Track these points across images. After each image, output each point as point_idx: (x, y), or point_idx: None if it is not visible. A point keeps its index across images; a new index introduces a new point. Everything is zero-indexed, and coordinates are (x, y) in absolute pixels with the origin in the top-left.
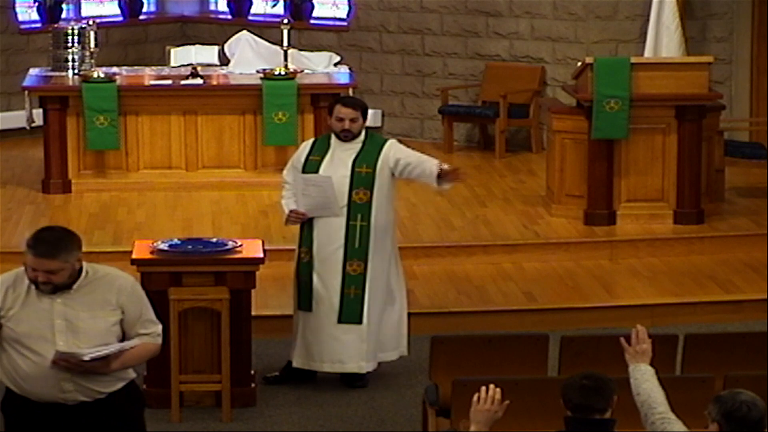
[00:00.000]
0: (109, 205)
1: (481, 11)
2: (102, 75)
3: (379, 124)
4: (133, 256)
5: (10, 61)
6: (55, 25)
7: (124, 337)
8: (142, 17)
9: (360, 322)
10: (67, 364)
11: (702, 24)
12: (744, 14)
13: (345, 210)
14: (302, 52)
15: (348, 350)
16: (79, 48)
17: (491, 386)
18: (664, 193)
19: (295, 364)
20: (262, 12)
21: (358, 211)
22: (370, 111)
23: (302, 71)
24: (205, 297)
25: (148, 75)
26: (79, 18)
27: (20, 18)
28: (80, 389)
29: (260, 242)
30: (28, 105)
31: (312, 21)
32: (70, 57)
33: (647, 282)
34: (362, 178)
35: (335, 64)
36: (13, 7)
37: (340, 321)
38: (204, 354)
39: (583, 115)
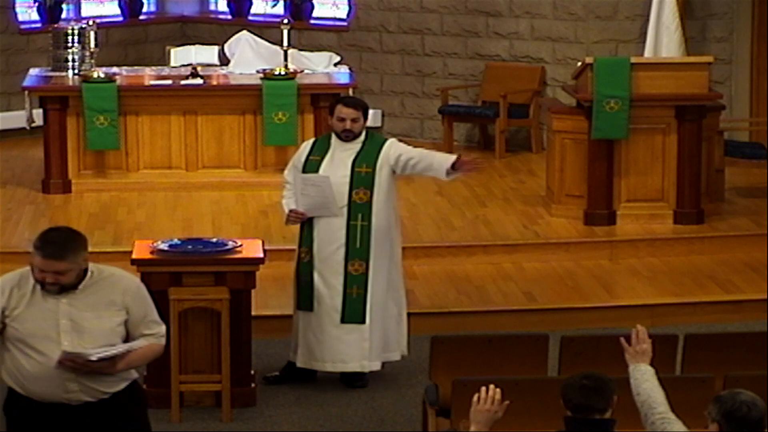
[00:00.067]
0: (109, 205)
1: (481, 11)
2: (102, 75)
3: (379, 124)
4: (133, 256)
5: (10, 61)
6: (55, 25)
7: (127, 338)
8: (142, 17)
9: (363, 321)
10: (73, 364)
11: (702, 24)
12: (744, 14)
13: (345, 210)
14: (302, 52)
15: (350, 350)
16: (79, 48)
17: (491, 386)
18: (664, 193)
19: (298, 364)
20: (262, 12)
21: (359, 210)
22: (370, 111)
23: (302, 71)
24: (205, 297)
25: (148, 75)
26: (79, 18)
27: (20, 18)
28: (85, 389)
29: (260, 242)
30: (28, 105)
31: (312, 21)
32: (70, 57)
33: (647, 282)
34: (362, 177)
35: (335, 64)
36: (13, 7)
37: (343, 321)
38: (204, 354)
39: (583, 115)
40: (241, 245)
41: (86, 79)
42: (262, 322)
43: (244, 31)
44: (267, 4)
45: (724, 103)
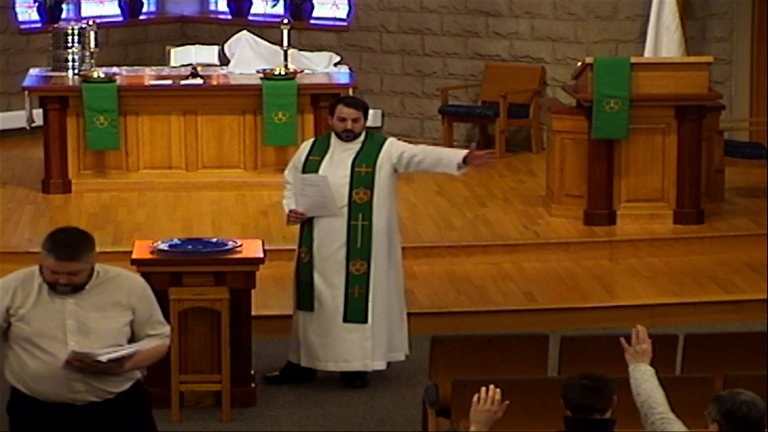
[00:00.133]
0: (109, 205)
1: (481, 11)
2: (102, 75)
3: (379, 124)
4: (133, 256)
5: (10, 61)
6: (55, 25)
7: (132, 338)
8: (142, 17)
9: (365, 321)
10: (81, 365)
11: (702, 24)
12: (744, 14)
13: (346, 210)
14: (302, 52)
15: (353, 349)
16: (79, 48)
17: (491, 386)
18: (664, 193)
19: (302, 364)
20: (262, 12)
21: (359, 210)
22: (370, 111)
23: (302, 71)
24: (205, 297)
25: (148, 75)
26: (79, 18)
27: (20, 18)
28: (91, 389)
29: (260, 242)
30: (28, 105)
31: (312, 21)
32: (70, 57)
33: (647, 282)
34: (362, 177)
35: (335, 64)
36: (13, 7)
37: (345, 320)
38: (204, 354)
39: (583, 115)
40: (241, 245)
41: (86, 79)
42: (262, 322)
43: (244, 31)
44: (267, 4)
45: (724, 103)
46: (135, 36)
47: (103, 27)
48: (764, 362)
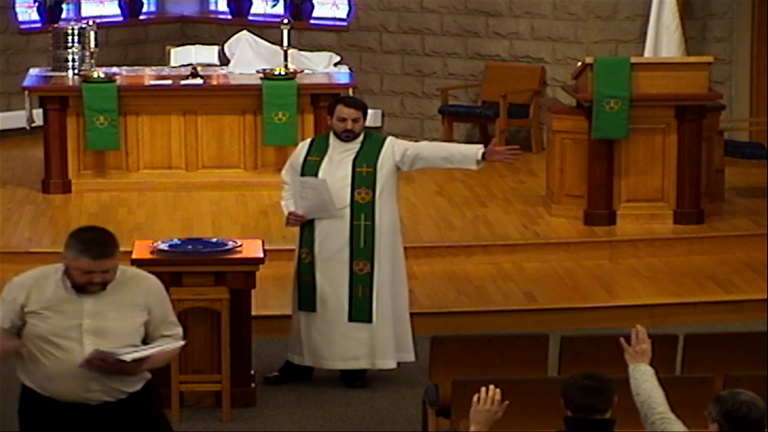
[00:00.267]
0: (109, 205)
1: (481, 11)
2: (102, 75)
3: (379, 124)
4: (133, 256)
5: (10, 61)
6: (55, 25)
7: (145, 338)
8: (142, 17)
9: (370, 321)
10: (103, 364)
11: (702, 24)
12: (744, 14)
13: (348, 210)
14: (302, 52)
15: (361, 348)
16: (79, 48)
17: (491, 387)
18: (664, 193)
19: (306, 364)
20: (262, 12)
21: (362, 210)
22: (370, 111)
23: (302, 71)
24: (205, 297)
25: (148, 75)
26: (79, 18)
27: (20, 18)
28: (105, 389)
29: (260, 242)
30: (28, 105)
31: (312, 21)
32: (70, 57)
33: (647, 282)
34: (363, 177)
35: (335, 64)
36: (13, 7)
37: (350, 320)
38: (204, 354)
39: (583, 115)
40: (241, 245)
41: (86, 79)
42: (262, 322)
43: (244, 31)
44: (267, 4)
45: (724, 103)
46: (135, 36)
47: (103, 27)
48: (764, 362)
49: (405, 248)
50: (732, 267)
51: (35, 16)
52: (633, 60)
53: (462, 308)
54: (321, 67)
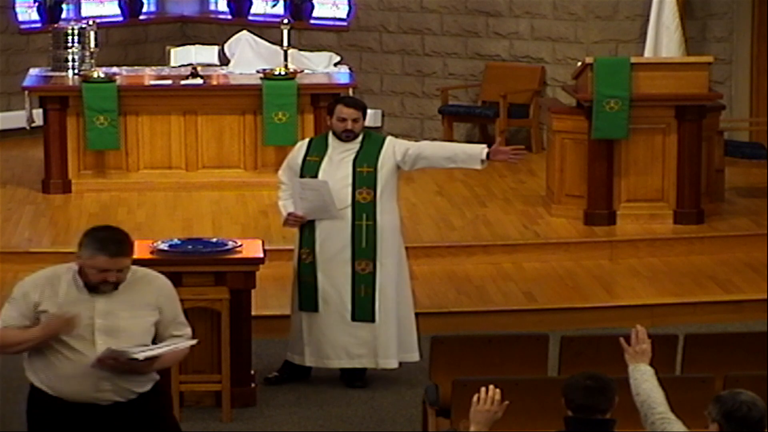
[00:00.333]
0: (109, 205)
1: (481, 11)
2: (102, 75)
3: (379, 124)
4: (133, 256)
5: (10, 61)
6: (55, 25)
7: (155, 338)
8: (142, 17)
9: (373, 320)
10: (115, 363)
11: (702, 24)
12: (744, 14)
13: (348, 211)
14: (302, 52)
15: (364, 347)
16: (79, 48)
17: (491, 387)
18: (664, 193)
19: (308, 364)
20: (262, 12)
21: (363, 210)
22: (370, 111)
23: (302, 71)
24: (205, 297)
25: (148, 75)
26: (79, 18)
27: (20, 18)
28: (116, 389)
29: (260, 242)
30: (28, 105)
31: (312, 21)
32: (70, 57)
33: (647, 282)
34: (364, 177)
35: (335, 64)
36: (13, 7)
37: (353, 319)
38: (204, 354)
39: (583, 115)
40: (241, 245)
41: (86, 79)
42: (262, 322)
43: (244, 31)
44: (267, 4)
45: (724, 103)
46: (135, 36)
47: (103, 27)
48: (764, 362)
49: (405, 248)
50: (732, 267)
51: (35, 16)
52: (633, 60)
53: (462, 308)
54: (321, 67)
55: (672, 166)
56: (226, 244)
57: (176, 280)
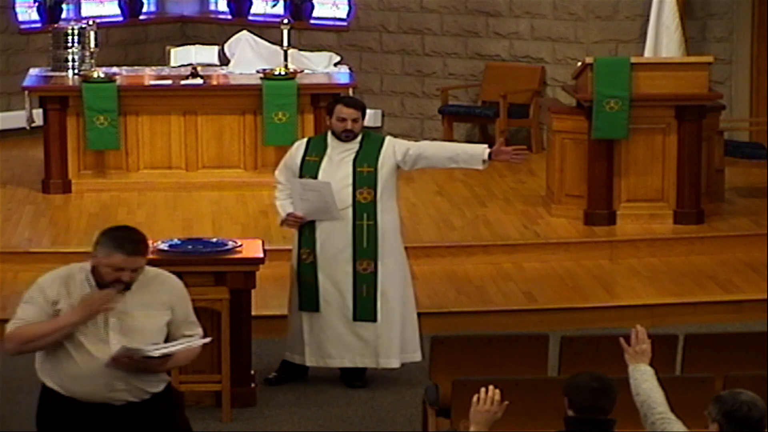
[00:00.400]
0: (109, 205)
1: (481, 11)
2: (102, 75)
3: (379, 124)
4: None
5: (10, 61)
6: (55, 25)
7: (167, 338)
8: (142, 17)
9: (375, 319)
10: (129, 361)
11: (702, 24)
12: (744, 14)
13: (349, 211)
14: (302, 52)
15: (367, 346)
16: (79, 48)
17: (491, 387)
18: (664, 193)
19: (308, 364)
20: (262, 12)
21: (364, 210)
22: (370, 111)
23: (302, 71)
24: (205, 297)
25: (148, 75)
26: (79, 18)
27: (20, 18)
28: (130, 389)
29: (260, 242)
30: (28, 105)
31: (312, 21)
32: (70, 57)
33: (647, 282)
34: (364, 177)
35: (335, 64)
36: (13, 7)
37: (355, 319)
38: (204, 354)
39: (583, 115)
40: (241, 245)
41: (86, 79)
42: (262, 322)
43: (244, 31)
44: (267, 4)
45: (724, 103)
46: (135, 36)
47: (103, 27)
48: (764, 362)
49: (405, 248)
50: (732, 267)
51: (35, 16)
52: (633, 60)
53: (462, 308)
54: (321, 67)
55: (672, 166)
56: (226, 244)
57: None
